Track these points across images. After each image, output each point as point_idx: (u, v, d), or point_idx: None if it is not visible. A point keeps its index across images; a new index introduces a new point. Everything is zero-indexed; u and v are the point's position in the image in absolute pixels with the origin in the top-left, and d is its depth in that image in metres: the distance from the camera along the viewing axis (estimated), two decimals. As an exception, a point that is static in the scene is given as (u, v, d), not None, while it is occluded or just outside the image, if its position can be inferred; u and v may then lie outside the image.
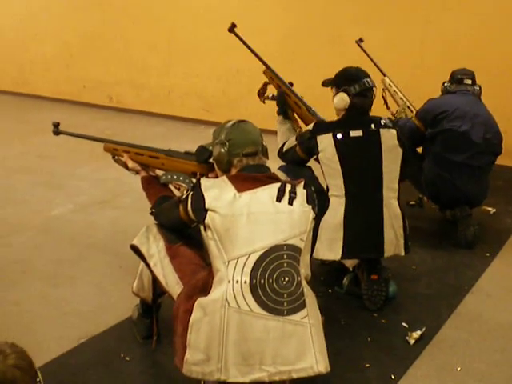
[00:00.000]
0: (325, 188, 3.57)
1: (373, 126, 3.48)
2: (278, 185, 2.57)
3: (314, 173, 3.70)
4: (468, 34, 6.21)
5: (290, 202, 2.54)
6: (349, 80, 3.52)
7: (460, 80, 4.57)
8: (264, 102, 4.26)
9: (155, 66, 8.24)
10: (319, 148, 3.47)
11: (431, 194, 4.64)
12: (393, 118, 4.82)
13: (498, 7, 6.09)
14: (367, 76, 3.56)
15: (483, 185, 4.55)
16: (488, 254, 4.37)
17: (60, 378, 2.94)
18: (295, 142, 3.66)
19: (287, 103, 4.05)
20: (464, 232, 4.46)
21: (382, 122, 3.51)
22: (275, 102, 4.10)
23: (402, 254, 3.60)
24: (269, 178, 2.61)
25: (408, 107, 4.96)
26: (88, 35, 8.65)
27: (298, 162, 3.70)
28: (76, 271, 4.01)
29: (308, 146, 3.55)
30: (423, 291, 3.86)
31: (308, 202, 2.58)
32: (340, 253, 3.46)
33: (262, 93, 4.23)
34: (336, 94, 3.56)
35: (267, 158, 2.73)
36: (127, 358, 3.09)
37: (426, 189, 4.60)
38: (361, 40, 5.29)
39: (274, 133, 4.01)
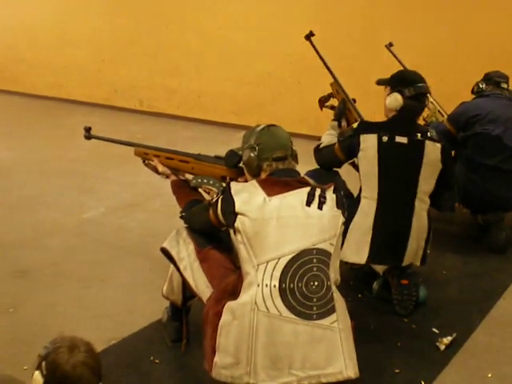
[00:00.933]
0: (357, 189, 3.56)
1: (419, 135, 3.46)
2: (307, 189, 2.57)
3: (341, 177, 3.70)
4: (501, 36, 6.14)
5: (320, 207, 2.54)
6: (405, 82, 3.51)
7: (497, 83, 4.54)
8: (321, 110, 4.25)
9: (186, 70, 8.27)
10: (361, 146, 3.45)
11: (462, 198, 4.58)
12: (423, 121, 4.78)
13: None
14: (423, 82, 3.54)
15: (516, 189, 4.50)
16: (521, 259, 4.33)
17: (90, 380, 2.96)
18: (335, 141, 3.63)
19: (346, 117, 4.02)
20: (496, 236, 4.42)
21: (429, 133, 3.50)
22: (333, 111, 4.08)
23: (418, 264, 3.60)
24: (298, 183, 2.61)
25: (438, 111, 4.92)
26: (120, 40, 8.72)
27: (330, 163, 3.68)
28: (107, 273, 4.05)
29: (349, 144, 3.51)
30: (454, 296, 3.83)
31: (338, 207, 2.57)
32: (366, 257, 3.46)
33: (323, 101, 4.22)
34: (390, 93, 3.53)
35: (297, 162, 2.73)
36: (157, 361, 3.12)
37: (458, 193, 4.56)
38: (390, 44, 5.26)
39: (304, 137, 4.01)
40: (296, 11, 7.22)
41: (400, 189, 3.47)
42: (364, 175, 3.49)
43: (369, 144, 3.43)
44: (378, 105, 3.79)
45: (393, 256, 3.50)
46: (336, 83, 4.13)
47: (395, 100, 3.48)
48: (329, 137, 3.79)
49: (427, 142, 3.46)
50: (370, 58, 6.56)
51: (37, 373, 1.89)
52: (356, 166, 3.60)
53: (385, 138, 3.41)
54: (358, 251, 3.47)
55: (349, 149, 3.53)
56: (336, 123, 3.95)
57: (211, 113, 8.13)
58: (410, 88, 3.46)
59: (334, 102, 4.19)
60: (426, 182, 3.48)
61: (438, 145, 3.49)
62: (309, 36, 4.21)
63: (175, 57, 8.30)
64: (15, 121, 8.26)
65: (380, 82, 3.72)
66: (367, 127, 3.51)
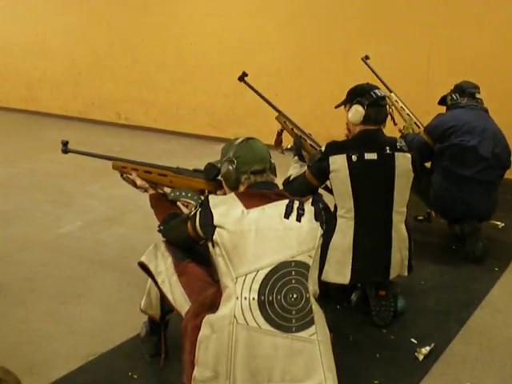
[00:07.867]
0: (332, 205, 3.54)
1: (388, 149, 3.41)
2: (286, 201, 2.57)
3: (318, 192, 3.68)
4: (474, 49, 6.23)
5: (298, 219, 2.54)
6: (360, 93, 3.47)
7: (472, 94, 4.57)
8: (283, 153, 4.06)
9: (163, 82, 8.28)
10: (331, 168, 3.39)
11: (439, 209, 4.64)
12: (400, 133, 4.82)
13: (505, 23, 6.12)
14: (377, 88, 3.53)
15: (491, 199, 4.54)
16: (497, 269, 4.36)
17: (68, 397, 2.93)
18: (304, 168, 3.56)
19: (304, 148, 3.92)
20: (472, 246, 4.46)
21: (398, 145, 3.45)
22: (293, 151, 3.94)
23: (405, 274, 3.61)
24: (277, 195, 2.61)
25: (415, 123, 4.96)
26: (97, 53, 8.71)
27: (304, 191, 3.36)
28: (84, 289, 4.02)
29: (319, 168, 3.44)
30: (432, 306, 3.85)
31: (316, 219, 2.58)
32: (349, 277, 3.44)
33: (278, 143, 4.07)
34: (350, 108, 3.48)
35: (275, 175, 2.74)
36: (135, 376, 3.08)
37: (435, 203, 4.60)
38: (367, 57, 5.29)
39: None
40: (272, 24, 7.26)
41: (376, 205, 3.44)
42: (338, 196, 3.45)
43: (339, 165, 3.37)
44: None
45: (377, 272, 3.50)
46: (281, 115, 4.02)
47: (357, 112, 3.43)
48: (295, 169, 3.73)
49: (397, 155, 3.41)
50: (345, 70, 6.61)
51: None
52: (329, 189, 3.55)
53: (354, 157, 3.35)
54: (339, 271, 3.44)
55: (320, 173, 3.45)
56: (297, 158, 3.86)
57: (189, 125, 8.14)
58: (367, 96, 3.42)
59: (287, 138, 4.02)
60: (401, 193, 3.47)
61: (408, 155, 3.45)
62: (242, 77, 4.12)
63: (152, 70, 8.32)
64: (-10, 135, 8.20)
65: (338, 106, 3.66)
66: (335, 148, 3.43)
